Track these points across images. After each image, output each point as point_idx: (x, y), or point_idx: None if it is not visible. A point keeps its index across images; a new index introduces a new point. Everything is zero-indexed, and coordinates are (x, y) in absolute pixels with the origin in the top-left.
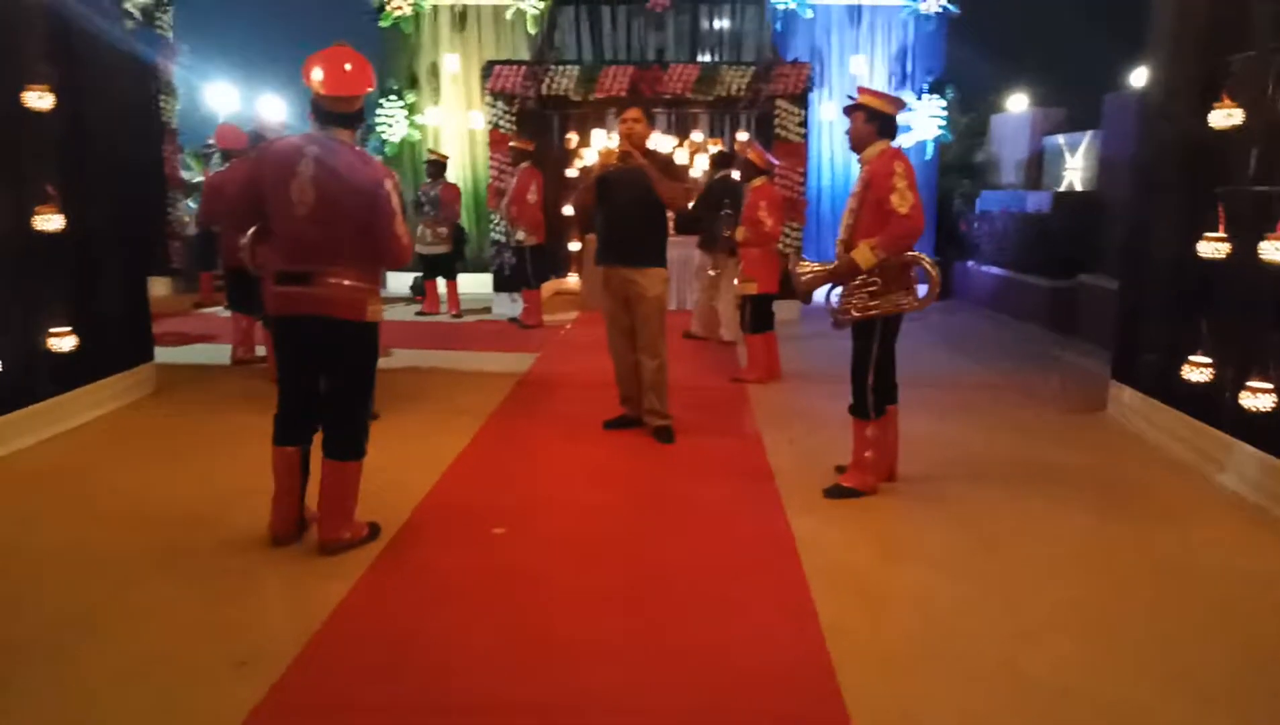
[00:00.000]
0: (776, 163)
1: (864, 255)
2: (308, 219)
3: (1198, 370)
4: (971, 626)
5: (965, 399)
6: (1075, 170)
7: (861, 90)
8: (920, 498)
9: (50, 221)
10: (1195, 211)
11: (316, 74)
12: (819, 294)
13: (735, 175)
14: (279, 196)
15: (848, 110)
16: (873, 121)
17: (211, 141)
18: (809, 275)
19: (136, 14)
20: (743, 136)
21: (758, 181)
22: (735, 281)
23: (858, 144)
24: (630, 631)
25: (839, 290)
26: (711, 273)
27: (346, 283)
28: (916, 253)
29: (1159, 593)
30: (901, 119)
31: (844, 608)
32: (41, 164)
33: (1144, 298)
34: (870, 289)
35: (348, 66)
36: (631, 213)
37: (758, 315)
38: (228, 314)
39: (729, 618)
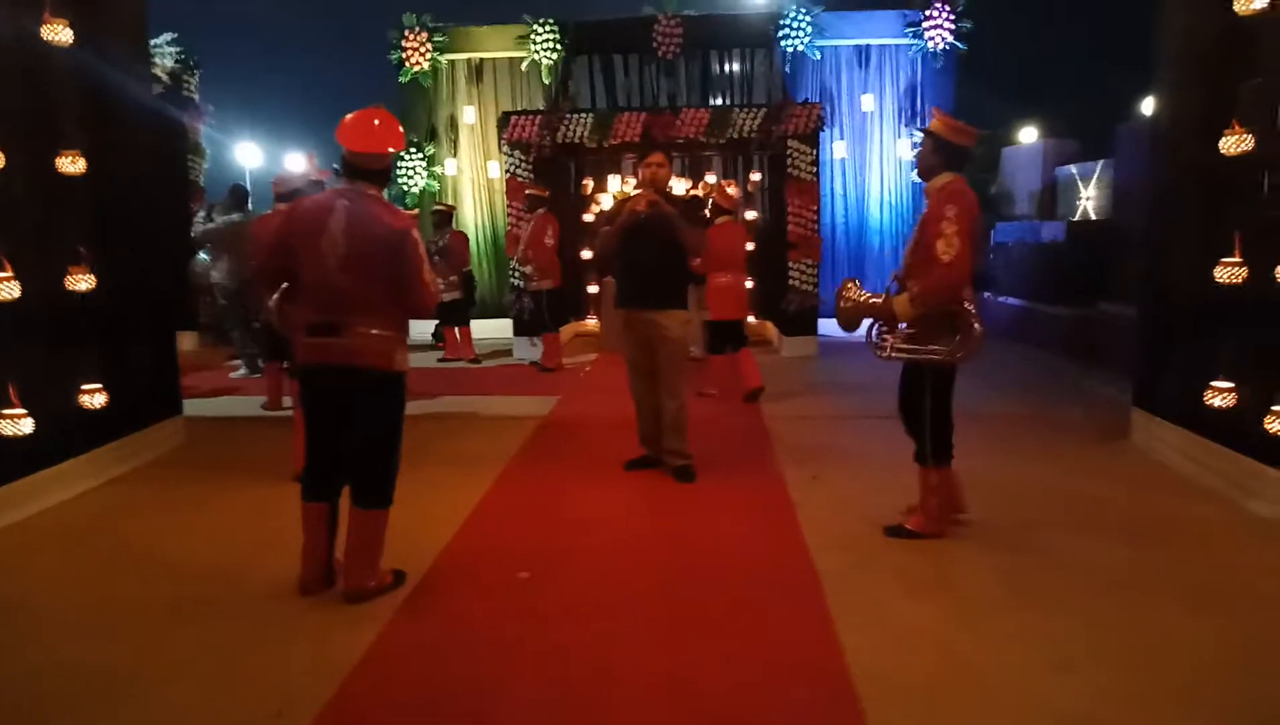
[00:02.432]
0: (735, 199)
1: (902, 307)
2: (339, 270)
3: (1220, 395)
4: (1002, 659)
5: (989, 429)
6: (1089, 200)
7: (936, 114)
8: (949, 531)
9: (82, 282)
10: (1211, 237)
11: (346, 132)
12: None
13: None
14: (311, 249)
15: (922, 140)
16: (939, 151)
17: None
18: (850, 306)
19: (165, 77)
20: (755, 177)
21: (721, 220)
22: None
23: (924, 173)
24: (657, 673)
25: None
26: None
27: (375, 332)
28: (960, 306)
29: (1197, 622)
30: (917, 154)
31: (871, 644)
32: (73, 225)
33: (1163, 324)
34: (909, 331)
35: (375, 123)
36: (654, 256)
37: (713, 338)
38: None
39: (755, 656)
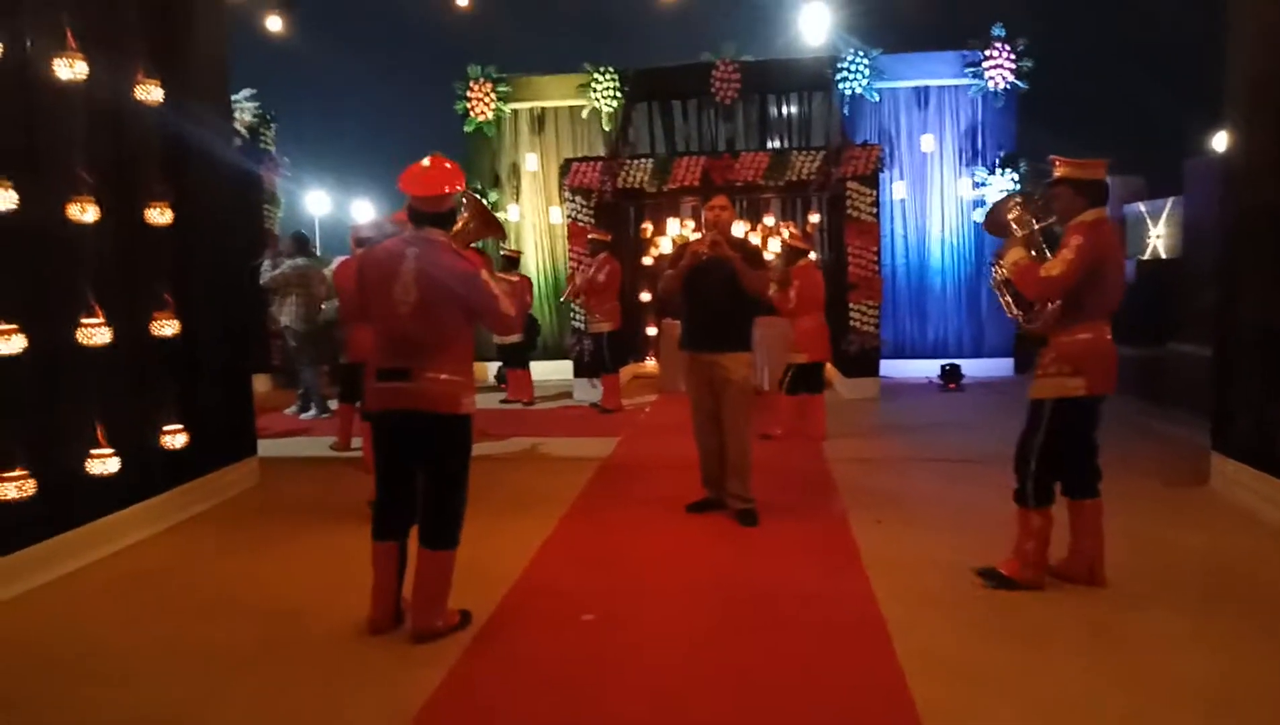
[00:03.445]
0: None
1: (1012, 252)
2: (410, 316)
3: None
4: (1079, 708)
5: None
6: (1159, 237)
7: (1060, 161)
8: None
9: (167, 327)
10: None
11: (406, 180)
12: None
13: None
14: (382, 296)
15: (1050, 187)
16: (1081, 194)
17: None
18: (1004, 218)
19: (244, 131)
20: (814, 219)
21: (803, 262)
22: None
23: (1068, 220)
24: (720, 721)
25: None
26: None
27: (443, 377)
28: (1091, 341)
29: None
30: (979, 194)
31: (941, 693)
32: (159, 272)
33: (1240, 365)
34: (1044, 361)
35: (431, 167)
36: (717, 299)
37: (796, 380)
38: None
39: (823, 706)
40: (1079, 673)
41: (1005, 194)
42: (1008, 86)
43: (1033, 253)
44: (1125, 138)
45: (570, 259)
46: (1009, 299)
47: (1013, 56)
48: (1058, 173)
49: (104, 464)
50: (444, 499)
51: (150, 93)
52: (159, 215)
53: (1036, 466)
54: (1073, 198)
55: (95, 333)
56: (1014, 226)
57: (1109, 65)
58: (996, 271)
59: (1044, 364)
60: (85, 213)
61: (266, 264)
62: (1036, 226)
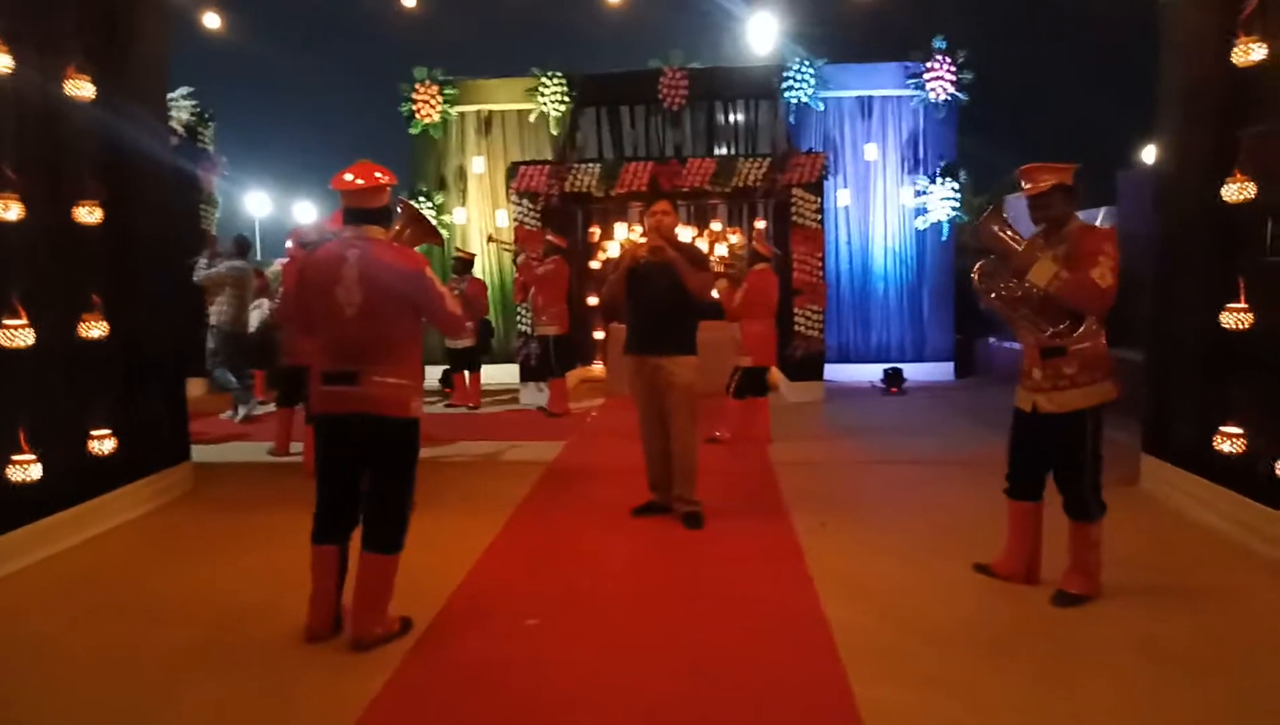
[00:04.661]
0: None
1: (1043, 271)
2: (356, 319)
3: (1229, 441)
4: (1022, 709)
5: (999, 473)
6: None
7: (1045, 170)
8: (961, 577)
9: (94, 329)
10: (1216, 283)
11: (338, 179)
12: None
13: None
14: (326, 300)
15: (1040, 196)
16: (1070, 197)
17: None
18: (993, 228)
19: (181, 130)
20: (760, 225)
21: (759, 266)
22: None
23: (1058, 224)
24: (665, 723)
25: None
26: None
27: (391, 381)
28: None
29: (1224, 673)
30: (920, 202)
31: (884, 692)
32: (88, 273)
33: (1171, 370)
34: (1071, 375)
35: (353, 166)
36: (661, 302)
37: (743, 384)
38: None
39: (765, 705)
40: (1021, 669)
41: (989, 209)
42: (948, 98)
43: (1054, 260)
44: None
45: (516, 262)
46: (1028, 313)
47: (953, 68)
48: (1049, 180)
49: (25, 471)
50: (390, 503)
51: (81, 89)
52: (88, 214)
53: (1091, 477)
54: (1065, 202)
55: (18, 334)
56: (1008, 241)
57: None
58: (1003, 289)
59: (1069, 375)
60: (8, 211)
61: (202, 261)
62: (1017, 237)
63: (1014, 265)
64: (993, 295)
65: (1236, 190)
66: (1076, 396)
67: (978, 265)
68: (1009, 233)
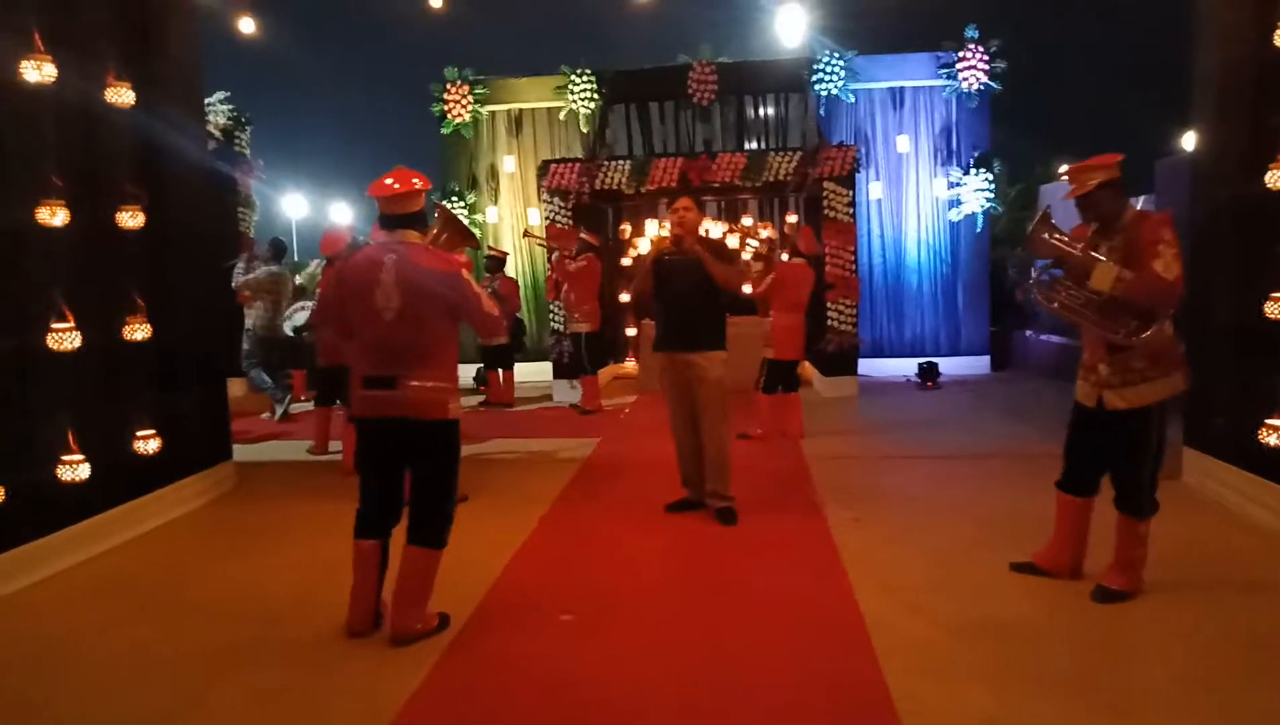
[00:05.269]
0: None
1: (1104, 274)
2: (394, 323)
3: (1276, 433)
4: (1054, 700)
5: (1035, 467)
6: None
7: (1090, 168)
8: (996, 572)
9: (139, 331)
10: (1258, 272)
11: (375, 185)
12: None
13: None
14: (364, 304)
15: (1087, 196)
16: (1119, 191)
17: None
18: (1049, 242)
19: (218, 134)
20: (791, 219)
21: (796, 260)
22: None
23: (1113, 218)
24: (698, 719)
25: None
26: None
27: (430, 384)
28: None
29: (1268, 674)
30: (953, 193)
31: (919, 686)
32: (131, 277)
33: (1213, 361)
34: (1138, 368)
35: (390, 173)
36: (689, 298)
37: (771, 377)
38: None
39: (801, 702)
40: (1053, 662)
41: (1036, 218)
42: (981, 87)
43: (1112, 259)
44: (1096, 137)
45: (549, 260)
46: (1095, 317)
47: (986, 58)
48: (1094, 178)
49: (74, 470)
50: (434, 500)
51: (121, 95)
52: (130, 219)
53: (1150, 471)
54: (1113, 197)
55: (66, 338)
56: (1063, 246)
57: (1081, 66)
58: (1065, 296)
59: (1138, 369)
60: (55, 217)
61: (240, 266)
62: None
63: (1072, 272)
64: (1055, 304)
65: (1278, 177)
66: (1147, 391)
67: (1033, 275)
68: (1059, 236)
